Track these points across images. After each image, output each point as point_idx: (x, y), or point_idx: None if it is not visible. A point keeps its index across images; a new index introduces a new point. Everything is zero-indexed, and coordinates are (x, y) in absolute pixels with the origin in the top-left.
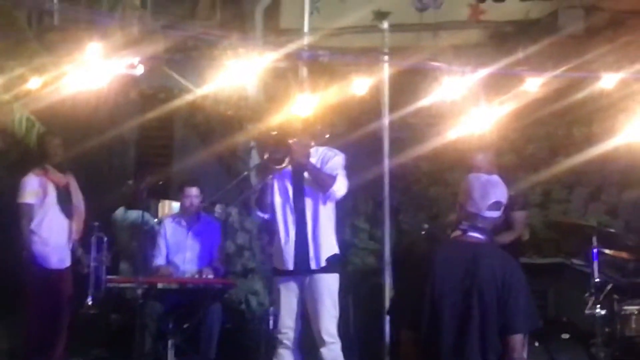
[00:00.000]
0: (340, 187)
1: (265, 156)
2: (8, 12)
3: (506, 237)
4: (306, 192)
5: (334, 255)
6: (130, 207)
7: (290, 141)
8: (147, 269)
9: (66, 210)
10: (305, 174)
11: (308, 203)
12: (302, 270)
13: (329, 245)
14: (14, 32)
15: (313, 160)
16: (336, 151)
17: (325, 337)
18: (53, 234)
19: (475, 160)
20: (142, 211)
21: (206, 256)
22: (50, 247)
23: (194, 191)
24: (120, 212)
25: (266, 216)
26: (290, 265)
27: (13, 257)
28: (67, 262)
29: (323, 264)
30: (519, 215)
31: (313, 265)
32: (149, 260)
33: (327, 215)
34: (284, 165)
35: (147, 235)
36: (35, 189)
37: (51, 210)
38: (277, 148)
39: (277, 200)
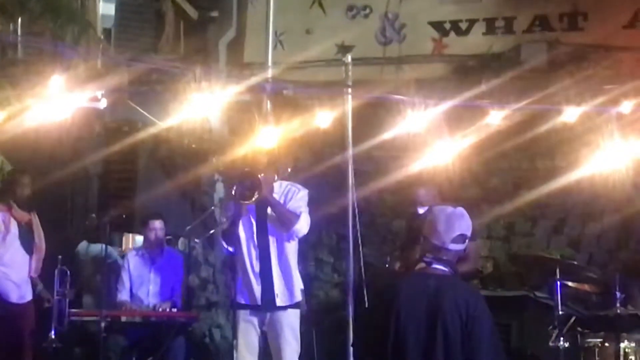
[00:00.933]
0: (303, 226)
1: (233, 190)
2: None
3: (461, 268)
4: (269, 228)
5: (298, 290)
6: (93, 240)
7: (260, 176)
8: (110, 302)
9: (27, 247)
10: (269, 210)
11: (272, 239)
12: (266, 306)
13: (293, 280)
14: None
15: (276, 195)
16: (299, 187)
17: None
18: (14, 269)
19: (418, 196)
20: (105, 245)
21: (169, 290)
22: (12, 282)
23: (157, 224)
24: (83, 245)
25: (230, 249)
26: (254, 301)
27: None
28: (28, 297)
29: (287, 300)
30: (470, 246)
31: (278, 302)
32: (112, 293)
33: (291, 250)
34: (252, 200)
35: (110, 269)
36: None
37: (13, 246)
38: (246, 182)
39: (242, 235)
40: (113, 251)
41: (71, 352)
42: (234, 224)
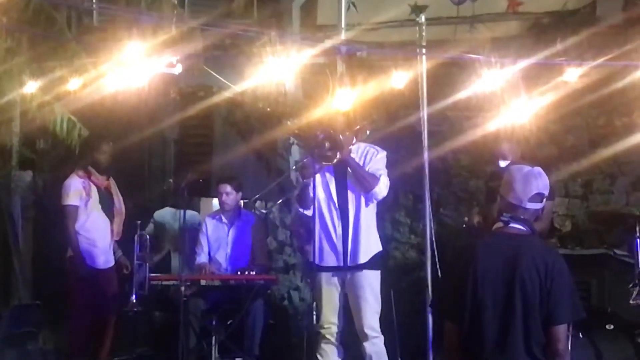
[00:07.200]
0: (382, 189)
1: (315, 152)
2: (48, 14)
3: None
4: (349, 188)
5: (377, 253)
6: (171, 205)
7: (341, 137)
8: (190, 266)
9: (108, 212)
10: (348, 170)
11: (351, 200)
12: (344, 267)
13: (371, 242)
14: (54, 34)
15: (355, 157)
16: (378, 148)
17: (368, 332)
18: (97, 234)
19: (501, 151)
20: (183, 209)
21: (247, 253)
22: (97, 247)
23: (226, 188)
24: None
25: (307, 212)
26: (332, 262)
27: (58, 258)
28: (111, 262)
29: (365, 260)
30: (546, 205)
31: (355, 262)
32: (192, 257)
33: (370, 212)
34: (333, 161)
35: (189, 233)
36: (79, 191)
37: (94, 211)
38: (326, 144)
39: (320, 196)
40: (196, 215)
41: (152, 315)
42: (306, 187)
